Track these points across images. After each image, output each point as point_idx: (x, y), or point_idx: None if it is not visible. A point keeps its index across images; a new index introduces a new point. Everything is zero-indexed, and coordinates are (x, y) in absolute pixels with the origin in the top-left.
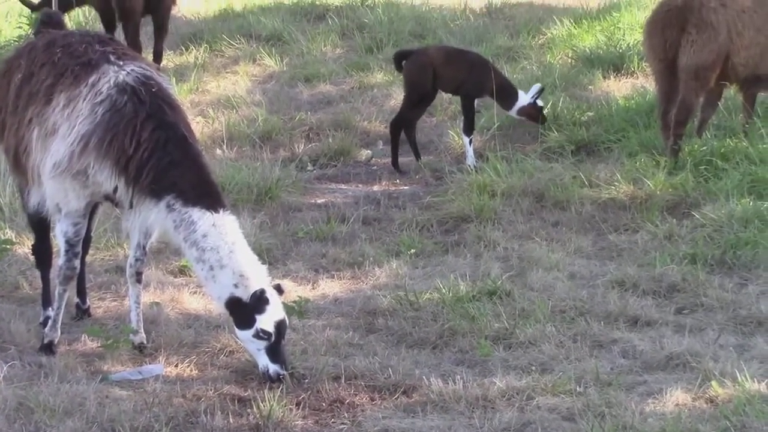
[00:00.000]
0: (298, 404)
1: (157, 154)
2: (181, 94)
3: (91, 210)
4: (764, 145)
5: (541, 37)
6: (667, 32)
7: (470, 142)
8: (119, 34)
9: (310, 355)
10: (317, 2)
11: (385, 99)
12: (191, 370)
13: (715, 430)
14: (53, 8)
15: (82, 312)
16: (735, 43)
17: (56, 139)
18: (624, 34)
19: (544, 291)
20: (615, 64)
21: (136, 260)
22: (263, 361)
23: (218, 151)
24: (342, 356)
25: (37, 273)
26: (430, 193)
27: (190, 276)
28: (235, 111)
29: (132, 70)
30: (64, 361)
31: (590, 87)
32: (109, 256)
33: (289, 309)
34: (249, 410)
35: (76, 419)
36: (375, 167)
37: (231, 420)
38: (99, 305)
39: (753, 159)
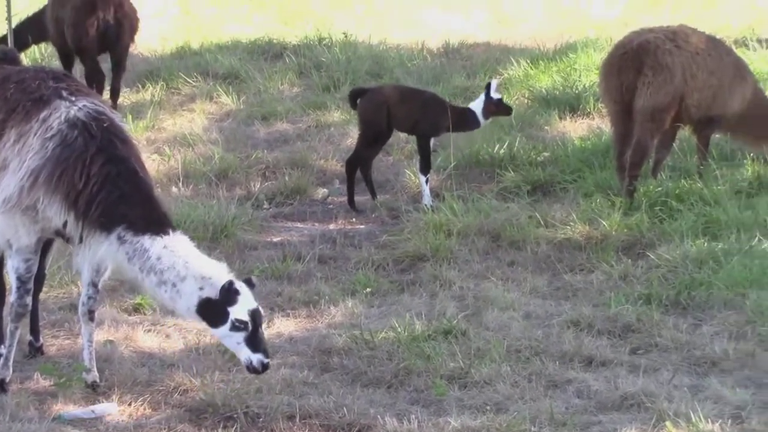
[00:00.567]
0: None
1: (106, 188)
2: (137, 131)
3: (45, 247)
4: (719, 187)
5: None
6: (623, 75)
7: (427, 181)
8: (78, 71)
9: (264, 394)
10: (274, 41)
11: (341, 138)
12: (145, 409)
13: None
14: (9, 45)
15: (34, 350)
16: (689, 85)
17: (6, 174)
18: (580, 75)
19: (500, 330)
20: (571, 104)
21: (89, 298)
22: (245, 354)
23: (174, 189)
24: (297, 395)
25: None
26: (386, 232)
27: (145, 314)
28: (191, 149)
29: (84, 105)
30: (16, 400)
31: (546, 127)
32: (63, 294)
33: None
34: None
35: None
36: (331, 206)
37: None
38: (52, 343)
39: (707, 200)
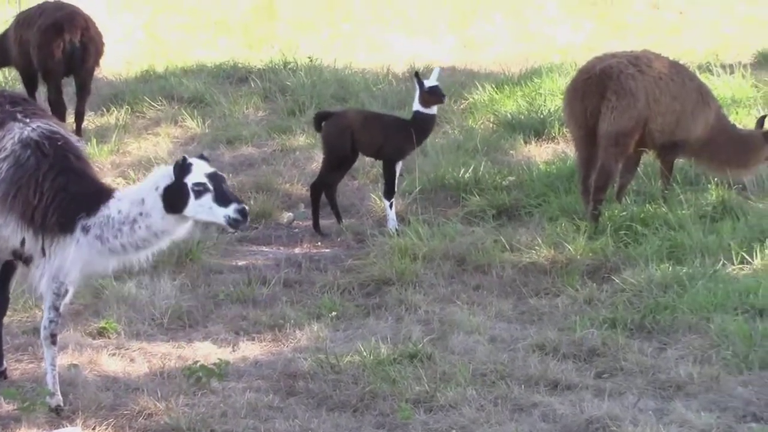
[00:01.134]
0: None
1: (59, 196)
2: (101, 155)
3: (9, 272)
4: (683, 211)
5: (462, 101)
6: (587, 99)
7: (391, 205)
8: (42, 94)
9: (229, 418)
10: (239, 65)
11: (307, 162)
12: None
13: None
14: None
15: None
16: (652, 109)
17: None
18: (545, 99)
19: (465, 354)
20: (536, 129)
21: (50, 322)
22: (220, 214)
23: None
24: (262, 419)
25: None
26: (351, 256)
27: (109, 338)
28: None
29: (38, 126)
30: None
31: (512, 152)
32: (27, 318)
33: (208, 371)
34: None
35: None
36: (296, 230)
37: None
38: (16, 367)
39: (672, 225)
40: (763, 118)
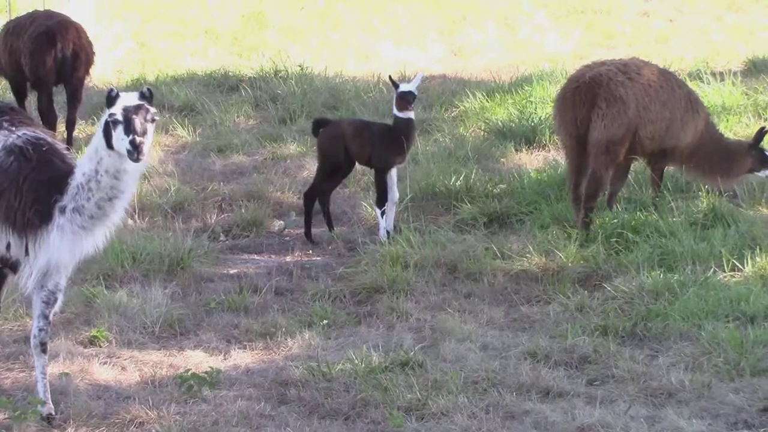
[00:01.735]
0: None
1: (34, 188)
2: None
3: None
4: (674, 219)
5: (453, 109)
6: (577, 108)
7: (382, 214)
8: (32, 104)
9: (221, 426)
10: (230, 73)
11: (298, 170)
12: None
13: None
14: None
15: None
16: (642, 116)
17: None
18: (536, 107)
19: (457, 362)
20: (527, 137)
21: (40, 330)
22: (122, 147)
23: (130, 222)
24: (254, 427)
25: None
26: (342, 264)
27: (100, 346)
28: (147, 181)
29: (24, 133)
30: None
31: (502, 159)
32: (18, 327)
33: (200, 379)
34: None
35: None
36: (288, 238)
37: None
38: (7, 376)
39: (663, 232)
40: (762, 130)
